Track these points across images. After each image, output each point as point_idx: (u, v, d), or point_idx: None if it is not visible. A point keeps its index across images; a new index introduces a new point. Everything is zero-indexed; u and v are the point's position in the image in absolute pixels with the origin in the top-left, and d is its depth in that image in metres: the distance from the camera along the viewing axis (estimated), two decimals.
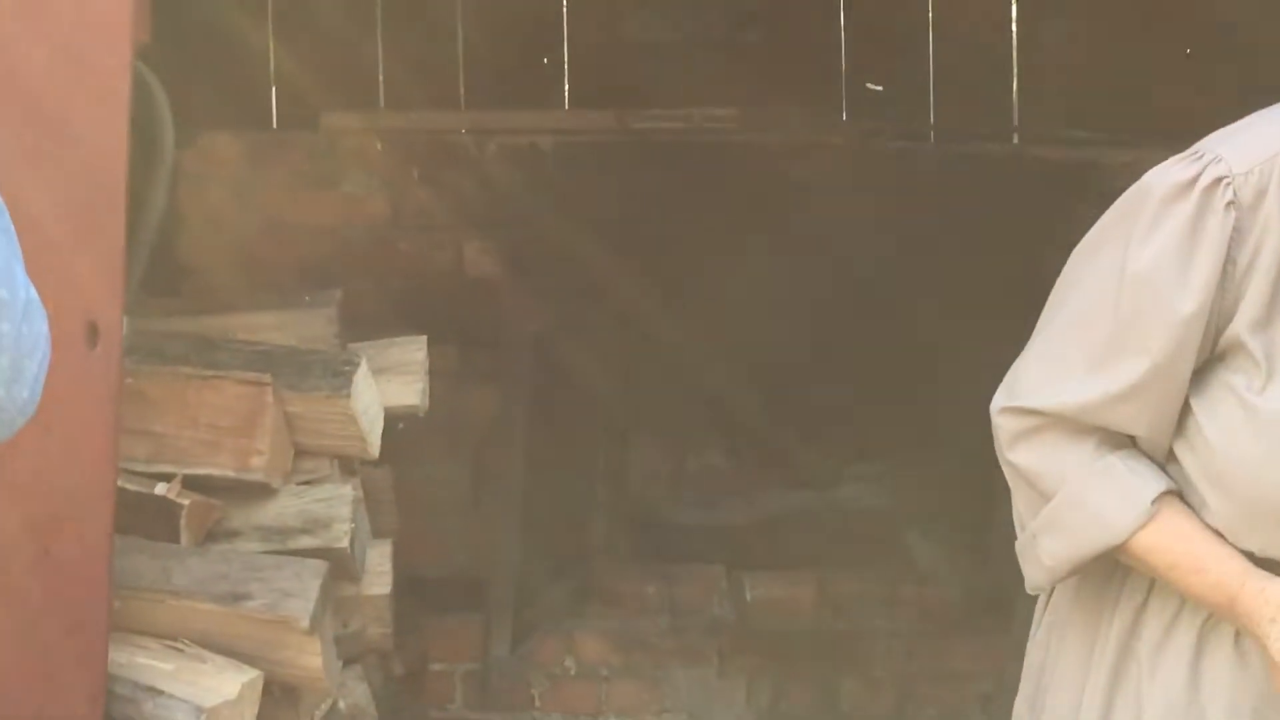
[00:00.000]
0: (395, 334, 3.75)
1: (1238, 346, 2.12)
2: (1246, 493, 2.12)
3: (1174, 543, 2.15)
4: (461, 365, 4.74)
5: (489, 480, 4.82)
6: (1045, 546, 2.19)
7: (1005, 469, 2.23)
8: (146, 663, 2.92)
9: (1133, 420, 2.15)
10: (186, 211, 4.54)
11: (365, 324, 3.92)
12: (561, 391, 4.87)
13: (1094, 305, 2.16)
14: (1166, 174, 2.14)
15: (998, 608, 4.85)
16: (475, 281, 4.86)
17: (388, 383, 3.56)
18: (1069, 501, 2.16)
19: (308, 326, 3.57)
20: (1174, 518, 2.16)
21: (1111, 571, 2.24)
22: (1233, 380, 2.12)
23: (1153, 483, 2.16)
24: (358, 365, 3.30)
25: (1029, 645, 2.40)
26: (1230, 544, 2.14)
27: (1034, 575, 2.24)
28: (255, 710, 2.93)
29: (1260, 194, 2.10)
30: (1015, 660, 4.69)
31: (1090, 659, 2.26)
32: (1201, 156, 2.13)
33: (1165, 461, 2.19)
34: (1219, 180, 2.10)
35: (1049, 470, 2.17)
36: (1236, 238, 2.10)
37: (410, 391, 3.61)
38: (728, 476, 5.24)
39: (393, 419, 3.54)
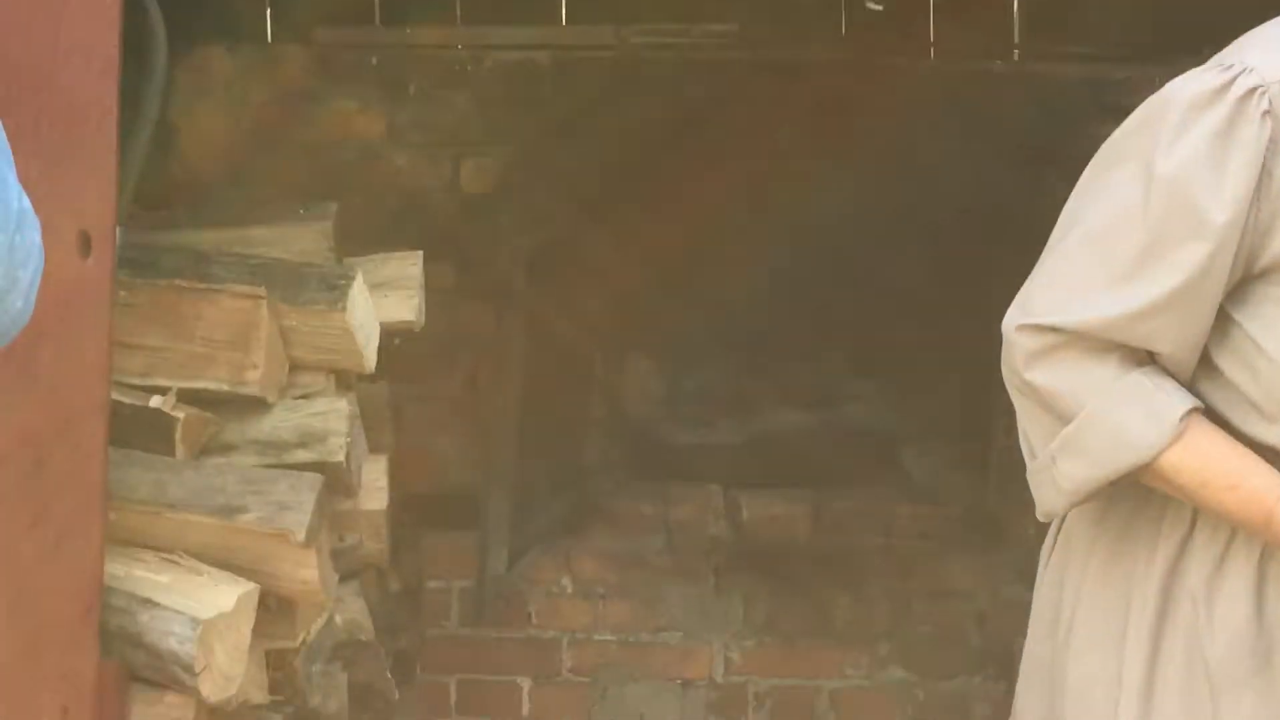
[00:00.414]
0: (390, 251, 3.73)
1: None
2: None
3: (1204, 460, 2.08)
4: (457, 283, 4.72)
5: (485, 398, 4.81)
6: (1064, 469, 2.11)
7: (1017, 391, 2.15)
8: (142, 575, 2.90)
9: (1159, 336, 2.08)
10: (180, 126, 4.52)
11: (360, 240, 3.89)
12: (558, 309, 4.86)
13: (1117, 217, 2.08)
14: (1192, 82, 2.08)
15: (994, 527, 4.86)
16: (471, 198, 4.83)
17: (383, 298, 3.54)
18: (1091, 421, 2.09)
19: (303, 241, 3.54)
20: (1202, 435, 2.09)
21: (1140, 509, 2.18)
22: None
23: (1179, 399, 2.09)
24: (353, 279, 3.28)
25: (1039, 584, 2.33)
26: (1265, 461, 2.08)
27: (1049, 500, 2.16)
28: (251, 623, 2.92)
29: None
30: (1011, 579, 4.74)
31: (1128, 603, 2.17)
32: (1230, 67, 2.06)
33: (1190, 383, 2.12)
34: (1253, 90, 2.03)
35: (1069, 389, 2.09)
36: (1273, 148, 2.03)
37: (406, 307, 3.60)
38: (724, 395, 5.23)
39: (389, 335, 3.53)
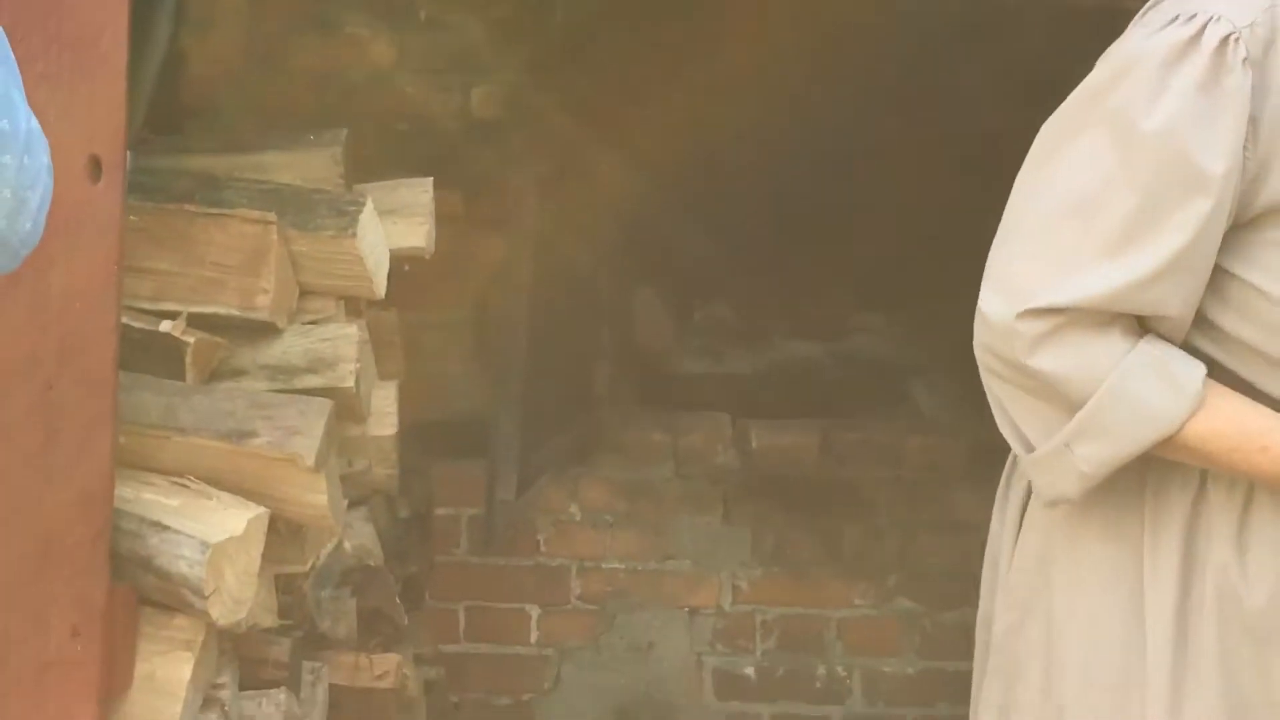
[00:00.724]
0: (401, 178, 3.72)
1: None
2: None
3: (1229, 424, 2.02)
4: (467, 210, 4.71)
5: (494, 326, 4.81)
6: (1084, 453, 2.03)
7: (1011, 383, 2.05)
8: (152, 499, 2.91)
9: (1168, 299, 2.01)
10: (190, 51, 4.50)
11: (370, 167, 3.88)
12: (568, 236, 4.85)
13: (1098, 183, 2.00)
14: (1160, 38, 2.00)
15: (1002, 459, 4.86)
16: (481, 125, 4.82)
17: (393, 224, 3.53)
18: (1109, 399, 2.00)
19: (313, 167, 3.53)
20: (1221, 398, 2.03)
21: (1134, 484, 2.12)
22: None
23: (1192, 365, 2.03)
24: (363, 205, 3.27)
25: (1000, 561, 2.24)
26: None
27: (1065, 487, 2.08)
28: (261, 547, 2.92)
29: (1268, 45, 1.99)
30: None
31: (1138, 581, 2.10)
32: (1195, 16, 1.99)
33: (1185, 345, 2.06)
34: (1227, 38, 1.97)
35: (1080, 370, 2.01)
36: (1257, 95, 1.97)
37: (416, 234, 3.59)
38: (734, 326, 5.23)
39: (399, 261, 3.52)
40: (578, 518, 4.91)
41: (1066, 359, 2.01)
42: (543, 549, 4.91)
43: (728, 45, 4.75)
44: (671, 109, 4.75)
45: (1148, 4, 2.11)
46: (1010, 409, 2.10)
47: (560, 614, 4.92)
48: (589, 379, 5.10)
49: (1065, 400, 2.03)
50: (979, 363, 2.10)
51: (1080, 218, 2.01)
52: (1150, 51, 2.00)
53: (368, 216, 3.28)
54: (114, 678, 2.84)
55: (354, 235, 3.24)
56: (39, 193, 1.98)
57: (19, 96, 1.99)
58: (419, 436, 4.39)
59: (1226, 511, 2.08)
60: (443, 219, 3.72)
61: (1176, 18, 2.01)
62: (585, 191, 4.83)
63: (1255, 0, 2.00)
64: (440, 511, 4.82)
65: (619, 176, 4.86)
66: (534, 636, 4.91)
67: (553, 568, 4.91)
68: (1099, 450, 2.03)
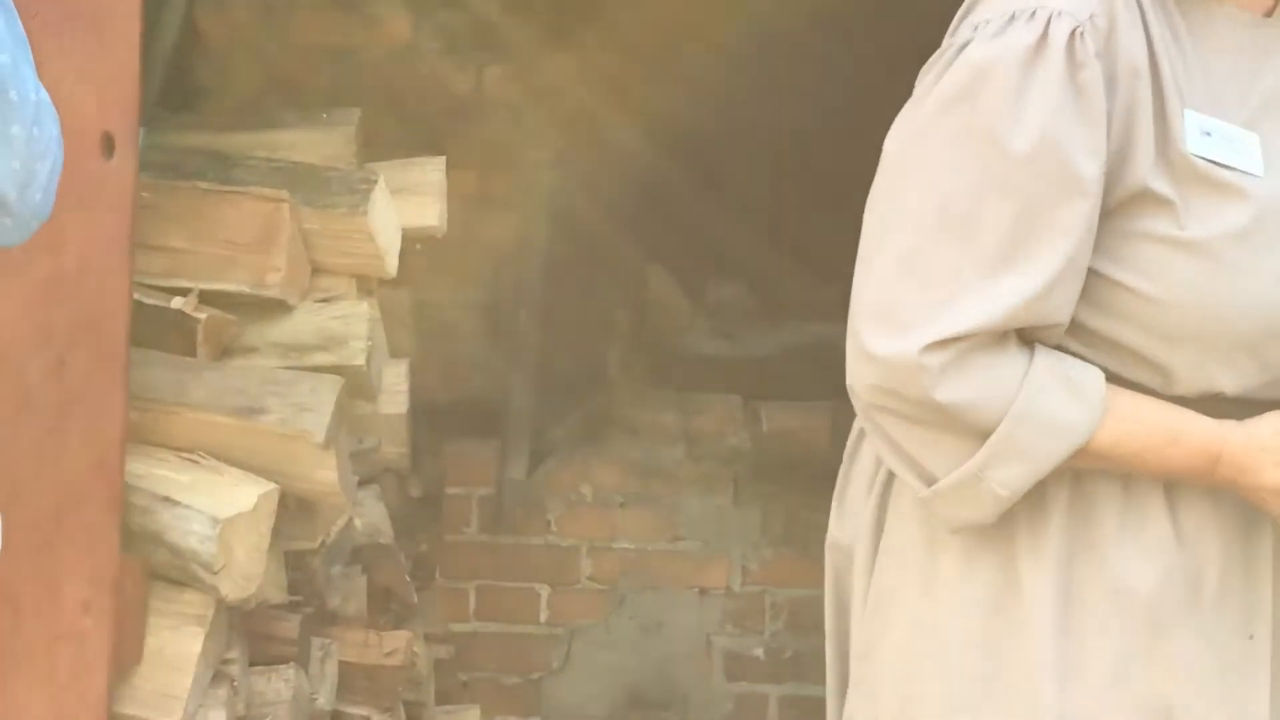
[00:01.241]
0: (414, 156, 3.72)
1: (1143, 194, 1.94)
2: (1215, 327, 1.95)
3: (1136, 425, 1.96)
4: (480, 190, 4.72)
5: (508, 304, 4.82)
6: (1001, 477, 1.94)
7: (909, 420, 1.94)
8: (163, 474, 2.92)
9: (1062, 308, 1.94)
10: (204, 29, 4.50)
11: (383, 146, 3.89)
12: (581, 216, 4.85)
13: (967, 198, 1.91)
14: (1006, 40, 1.92)
15: None
16: (495, 105, 4.82)
17: (406, 203, 3.53)
18: (1020, 419, 1.92)
19: (326, 146, 3.53)
20: (1124, 400, 1.97)
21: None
22: (1150, 228, 1.94)
23: (1091, 372, 1.97)
24: (375, 183, 3.27)
25: (860, 561, 2.15)
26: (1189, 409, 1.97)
27: (980, 513, 1.97)
28: (271, 523, 2.94)
29: (1110, 33, 1.93)
30: None
31: (1014, 580, 2.01)
32: (1035, 13, 1.92)
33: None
34: (1074, 32, 1.91)
35: (987, 395, 1.92)
36: (1109, 86, 1.92)
37: (429, 213, 3.59)
38: (745, 308, 5.23)
39: (411, 240, 3.53)
40: (589, 498, 4.93)
41: (974, 386, 1.92)
42: (553, 528, 4.92)
43: (740, 24, 4.74)
44: (687, 86, 4.75)
45: (966, 4, 2.04)
46: (908, 446, 1.98)
47: (570, 593, 4.93)
48: (602, 358, 5.10)
49: (973, 428, 1.94)
50: (865, 405, 1.98)
51: (954, 236, 1.92)
52: (1000, 56, 1.92)
53: (380, 195, 3.28)
54: (124, 651, 2.86)
55: (365, 213, 3.25)
56: (49, 164, 1.99)
57: (29, 69, 1.99)
58: (430, 416, 4.40)
59: (1108, 499, 2.02)
60: (456, 197, 3.73)
61: (1013, 16, 1.94)
62: (599, 170, 4.83)
63: None
64: (451, 490, 4.83)
65: (633, 155, 4.86)
66: (544, 616, 4.93)
67: (563, 548, 4.92)
68: (1015, 473, 1.95)
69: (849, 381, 1.99)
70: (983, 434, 1.94)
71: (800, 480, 4.88)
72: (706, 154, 4.83)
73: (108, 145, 2.79)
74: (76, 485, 2.82)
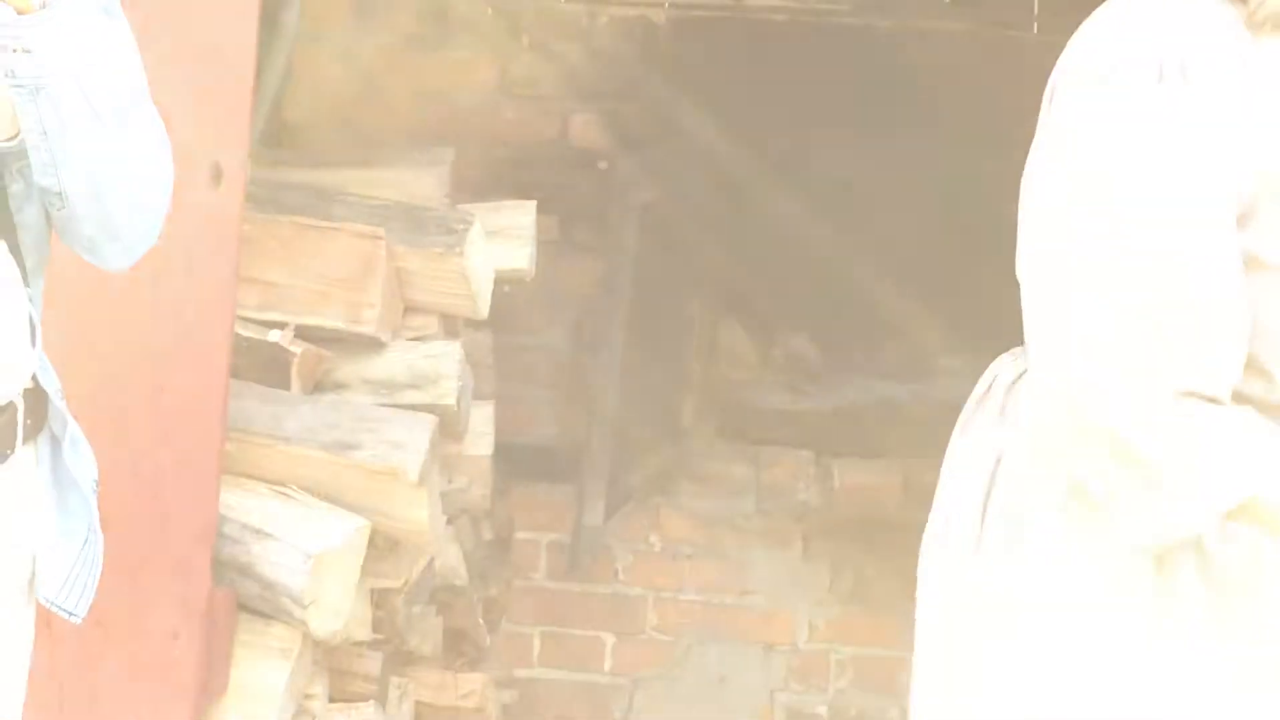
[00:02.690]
0: (499, 200, 3.74)
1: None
2: None
3: None
4: (562, 236, 4.73)
5: (586, 350, 4.82)
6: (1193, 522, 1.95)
7: (1140, 465, 1.92)
8: (256, 506, 2.93)
9: None
10: (297, 69, 4.52)
11: (468, 189, 3.90)
12: (660, 267, 4.86)
13: None
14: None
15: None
16: (580, 152, 4.83)
17: (495, 245, 3.55)
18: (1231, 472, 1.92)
19: (419, 185, 3.56)
20: None
21: None
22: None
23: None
24: (471, 224, 3.29)
25: (960, 568, 2.12)
26: None
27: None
28: (361, 559, 2.94)
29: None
30: None
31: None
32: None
33: None
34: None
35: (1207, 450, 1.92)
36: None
37: (518, 255, 3.61)
38: (816, 363, 5.22)
39: (498, 282, 3.54)
40: (657, 548, 4.91)
41: (1205, 440, 1.91)
42: (620, 577, 4.90)
43: (827, 82, 4.76)
44: (768, 144, 4.76)
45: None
46: (1117, 494, 1.96)
47: (635, 643, 4.91)
48: (675, 408, 5.09)
49: (1186, 483, 1.92)
50: (1078, 443, 1.96)
51: None
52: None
53: (475, 236, 3.30)
54: (210, 682, 2.86)
55: (461, 254, 3.27)
56: (159, 191, 2.01)
57: (147, 99, 2.02)
58: (504, 458, 4.40)
59: None
60: (538, 243, 3.74)
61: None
62: (678, 221, 4.84)
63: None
64: (521, 535, 4.82)
65: (713, 208, 4.86)
66: (608, 665, 4.91)
67: (630, 597, 4.90)
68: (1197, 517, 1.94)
69: None
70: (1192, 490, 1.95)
71: (870, 538, 4.86)
72: (783, 210, 4.83)
73: (216, 176, 2.81)
74: (170, 514, 2.83)
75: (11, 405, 1.95)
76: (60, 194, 1.93)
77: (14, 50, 1.83)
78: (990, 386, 2.22)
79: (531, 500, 4.83)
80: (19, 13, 1.81)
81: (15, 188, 1.94)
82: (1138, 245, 1.93)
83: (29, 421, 1.97)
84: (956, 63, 4.80)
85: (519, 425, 4.59)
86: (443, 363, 3.28)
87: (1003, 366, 2.21)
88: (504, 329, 4.16)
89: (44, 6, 1.82)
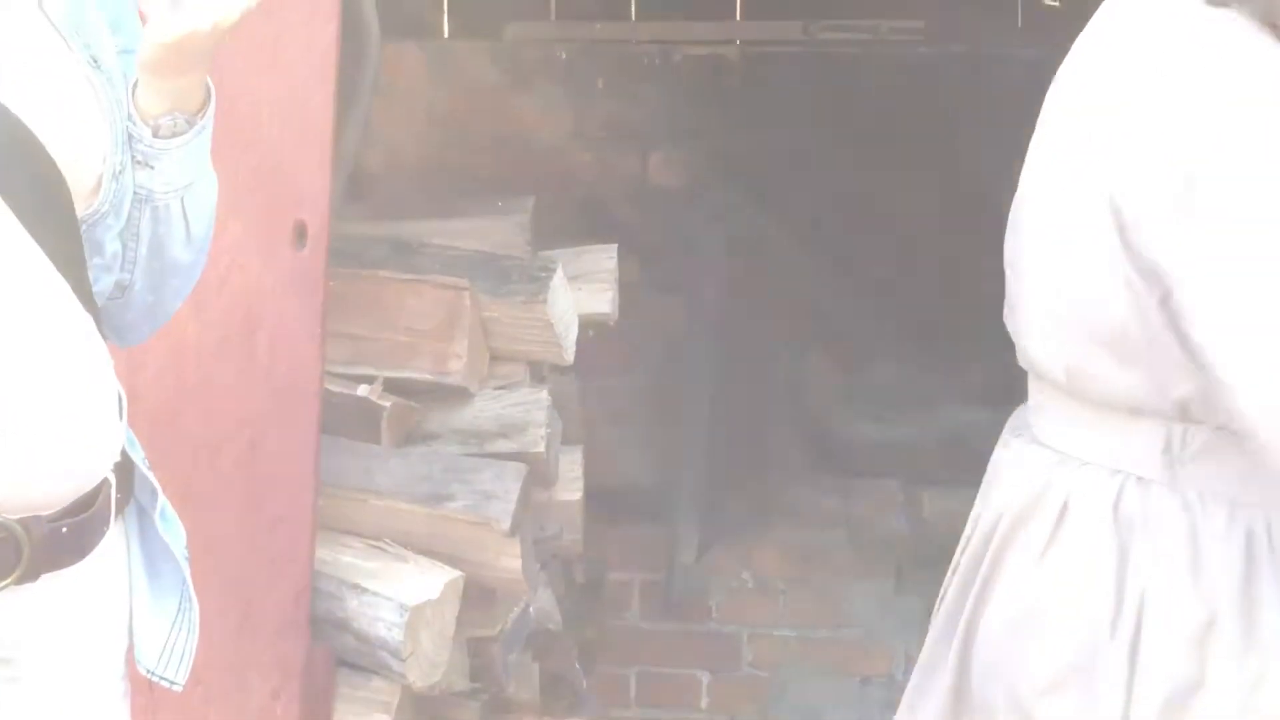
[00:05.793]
0: (578, 244, 3.74)
1: None
2: None
3: None
4: (643, 276, 4.73)
5: (672, 390, 4.82)
6: None
7: None
8: (351, 561, 2.94)
9: None
10: (372, 121, 4.55)
11: (548, 234, 3.91)
12: (741, 304, 4.86)
13: None
14: None
15: None
16: (658, 192, 4.84)
17: (578, 290, 3.55)
18: None
19: (501, 233, 3.56)
20: None
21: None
22: None
23: None
24: (554, 271, 3.29)
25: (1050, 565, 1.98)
26: None
27: None
28: (456, 610, 2.94)
29: None
30: None
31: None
32: None
33: None
34: None
35: None
36: None
37: (601, 299, 3.61)
38: (905, 391, 5.20)
39: (583, 327, 3.54)
40: (750, 584, 4.90)
41: None
42: (714, 615, 4.89)
43: (903, 112, 4.75)
44: (846, 176, 4.76)
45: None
46: None
47: (731, 681, 4.90)
48: (762, 443, 5.08)
49: None
50: None
51: None
52: None
53: (558, 283, 3.30)
54: None
55: (545, 301, 3.27)
56: (204, 223, 2.04)
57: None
58: (593, 501, 4.40)
59: None
60: (619, 284, 3.74)
61: None
62: (759, 255, 4.84)
63: None
64: (613, 576, 4.82)
65: (793, 243, 4.86)
66: (704, 703, 4.89)
67: (724, 634, 4.89)
68: None
69: None
70: None
71: None
72: (864, 241, 4.83)
73: (300, 235, 2.82)
74: (266, 570, 2.85)
75: (105, 482, 1.96)
76: (126, 287, 1.98)
77: (138, 161, 1.95)
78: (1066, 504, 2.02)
79: (623, 541, 4.83)
80: (154, 135, 1.93)
81: (95, 261, 1.97)
82: None
83: (119, 495, 1.99)
84: (1031, 88, 4.77)
85: (609, 467, 4.59)
86: (531, 411, 3.28)
87: (1069, 481, 2.01)
88: (589, 372, 4.16)
89: (175, 135, 1.94)
